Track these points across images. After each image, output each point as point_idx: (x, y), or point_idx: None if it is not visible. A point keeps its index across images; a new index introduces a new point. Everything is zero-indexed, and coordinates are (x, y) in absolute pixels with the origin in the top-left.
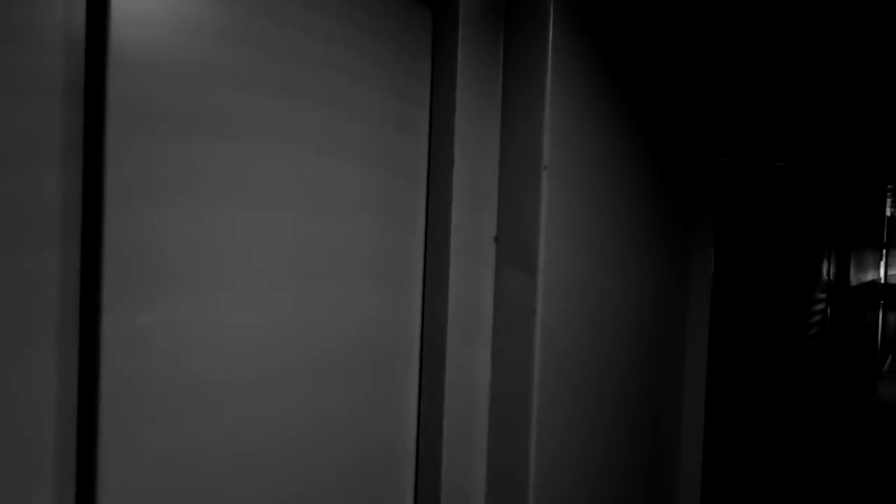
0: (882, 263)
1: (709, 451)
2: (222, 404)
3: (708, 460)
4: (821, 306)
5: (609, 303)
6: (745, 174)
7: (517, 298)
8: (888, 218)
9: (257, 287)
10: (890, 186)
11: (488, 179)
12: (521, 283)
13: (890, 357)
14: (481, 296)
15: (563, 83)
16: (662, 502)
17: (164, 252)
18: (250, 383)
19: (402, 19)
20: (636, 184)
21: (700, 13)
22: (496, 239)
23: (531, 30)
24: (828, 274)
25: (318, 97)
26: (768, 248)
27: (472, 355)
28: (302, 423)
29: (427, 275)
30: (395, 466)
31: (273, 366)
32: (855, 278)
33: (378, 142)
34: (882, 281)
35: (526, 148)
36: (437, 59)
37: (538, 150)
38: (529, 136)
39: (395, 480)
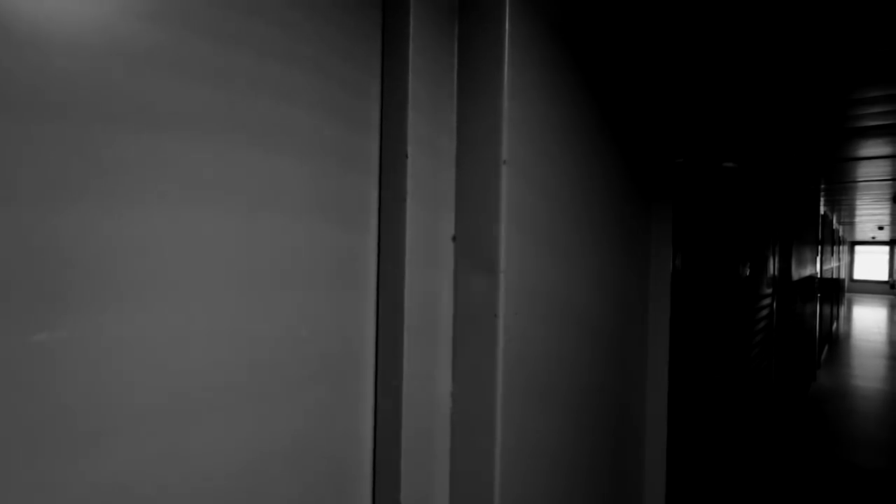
0: (818, 259)
1: (667, 445)
2: (139, 434)
3: (667, 454)
4: (768, 300)
5: (573, 303)
6: (699, 175)
7: (477, 301)
8: (822, 216)
9: (184, 298)
10: (823, 186)
11: (445, 175)
12: (481, 285)
13: (826, 347)
14: (440, 299)
15: (522, 74)
16: (628, 498)
17: (63, 259)
18: (176, 405)
19: (350, 4)
20: (599, 182)
21: (659, 28)
22: (454, 238)
23: (486, 18)
24: (773, 270)
25: (255, 85)
26: (722, 246)
27: (431, 362)
28: (241, 447)
29: (381, 278)
30: (351, 484)
31: (203, 384)
32: (796, 273)
33: (325, 135)
34: (818, 275)
35: (484, 142)
36: (388, 47)
37: (497, 144)
38: (488, 128)
39: (354, 498)
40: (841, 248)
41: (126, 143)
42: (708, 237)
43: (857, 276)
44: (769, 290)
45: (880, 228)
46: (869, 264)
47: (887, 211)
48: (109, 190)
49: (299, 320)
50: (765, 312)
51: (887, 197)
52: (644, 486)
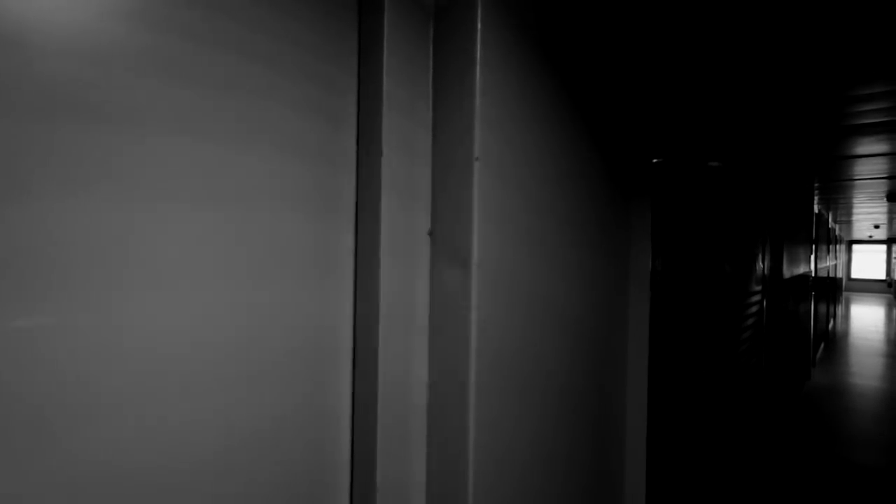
0: (812, 257)
1: (652, 445)
2: (117, 420)
3: (651, 453)
4: (757, 298)
5: (550, 297)
6: (682, 173)
7: (452, 294)
8: (816, 214)
9: (163, 288)
10: (817, 185)
11: (421, 172)
12: (455, 279)
13: (822, 345)
14: (416, 291)
15: (495, 73)
16: (608, 496)
17: (44, 250)
18: (154, 393)
19: (326, 5)
20: (576, 180)
21: (641, 28)
22: (430, 233)
23: (459, 19)
24: (763, 268)
25: (232, 85)
26: (705, 244)
27: (407, 353)
28: (220, 431)
29: (358, 270)
30: (329, 473)
31: (182, 372)
32: (788, 272)
33: (302, 133)
34: (813, 274)
35: (457, 139)
36: (363, 47)
37: (470, 142)
38: (460, 126)
39: (329, 487)
40: (838, 246)
41: (104, 140)
42: (691, 235)
43: (854, 274)
44: (758, 288)
45: (876, 227)
46: (866, 263)
47: (882, 210)
48: (90, 183)
49: (277, 311)
50: (754, 310)
51: (882, 195)
52: (625, 480)
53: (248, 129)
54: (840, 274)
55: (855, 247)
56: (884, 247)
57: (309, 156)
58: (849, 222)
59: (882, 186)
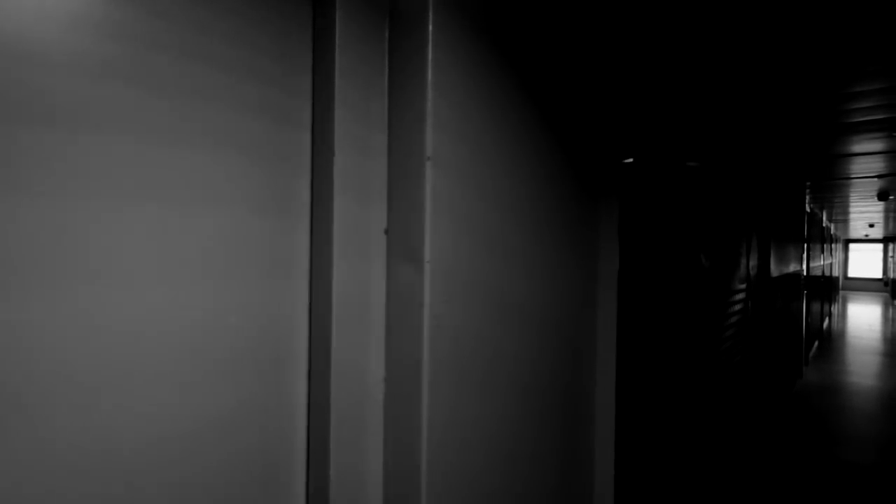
0: (804, 256)
1: (627, 443)
2: (77, 411)
3: (626, 452)
4: (741, 296)
5: (509, 295)
6: (660, 173)
7: (406, 291)
8: (808, 213)
9: (118, 286)
10: (809, 184)
11: (376, 172)
12: (409, 275)
13: (816, 343)
14: (371, 289)
15: (448, 75)
16: (577, 496)
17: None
18: (112, 385)
19: (279, 6)
20: (539, 179)
21: (608, 25)
22: (387, 231)
23: (411, 22)
24: (747, 266)
25: (185, 88)
26: (681, 242)
27: (361, 350)
28: (175, 429)
29: (313, 269)
30: (285, 465)
31: (139, 368)
32: (777, 270)
33: (255, 134)
34: (805, 273)
35: (410, 140)
36: (317, 48)
37: (421, 141)
38: (413, 126)
39: (285, 479)
40: (834, 245)
41: (63, 142)
42: (666, 234)
43: (851, 273)
44: (742, 286)
45: (871, 226)
46: (863, 262)
47: (876, 209)
48: (36, 184)
49: (233, 308)
50: (737, 308)
51: (873, 194)
52: (595, 479)
53: (201, 129)
54: (836, 273)
55: (851, 245)
56: (880, 245)
57: (264, 156)
58: (844, 221)
59: (873, 185)
